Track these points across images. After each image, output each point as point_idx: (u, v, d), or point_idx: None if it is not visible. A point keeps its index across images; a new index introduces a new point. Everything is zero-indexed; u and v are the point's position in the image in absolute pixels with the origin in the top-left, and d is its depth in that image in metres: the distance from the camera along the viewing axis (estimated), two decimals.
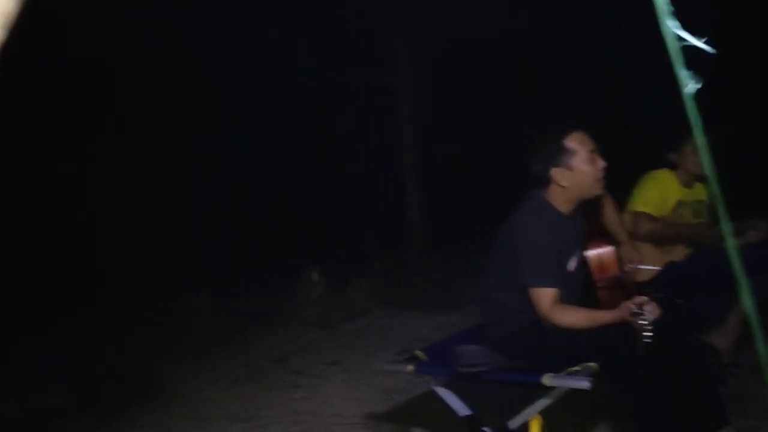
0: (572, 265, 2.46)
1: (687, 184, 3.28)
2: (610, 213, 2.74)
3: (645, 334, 1.99)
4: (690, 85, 0.73)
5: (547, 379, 2.20)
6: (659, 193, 3.22)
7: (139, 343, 4.85)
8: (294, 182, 6.68)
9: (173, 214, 6.22)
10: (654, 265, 3.07)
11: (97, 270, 5.68)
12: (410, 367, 2.52)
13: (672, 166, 3.28)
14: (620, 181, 3.32)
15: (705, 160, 1.05)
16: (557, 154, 2.37)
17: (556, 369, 2.24)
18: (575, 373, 2.20)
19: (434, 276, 5.92)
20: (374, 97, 6.37)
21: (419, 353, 2.65)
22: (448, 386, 2.59)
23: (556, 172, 2.37)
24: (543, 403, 2.32)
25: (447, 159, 6.95)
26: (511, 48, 6.22)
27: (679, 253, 3.22)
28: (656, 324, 2.05)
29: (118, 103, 5.65)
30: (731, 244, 1.03)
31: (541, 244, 2.32)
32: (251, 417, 3.58)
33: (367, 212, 6.77)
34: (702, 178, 3.29)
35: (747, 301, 0.96)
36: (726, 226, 1.05)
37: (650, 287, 2.88)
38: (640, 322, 2.00)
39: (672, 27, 0.69)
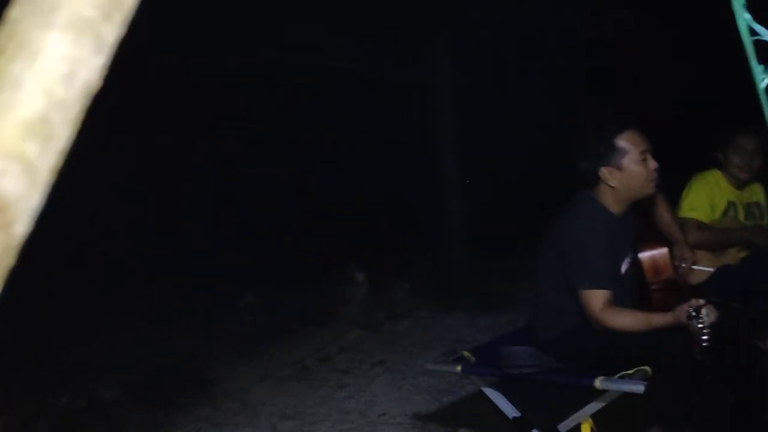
0: (624, 267, 2.42)
1: (738, 185, 3.19)
2: (663, 213, 2.69)
3: (702, 338, 1.94)
4: (765, 80, 0.73)
5: (600, 382, 2.17)
6: (706, 196, 3.14)
7: (187, 341, 4.98)
8: (338, 182, 6.74)
9: (220, 214, 6.36)
10: (708, 266, 2.99)
11: (146, 269, 5.85)
12: (458, 368, 2.53)
13: (722, 167, 3.19)
14: (678, 181, 3.27)
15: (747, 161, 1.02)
16: (607, 153, 2.33)
17: (607, 372, 2.21)
18: (629, 377, 2.18)
19: (477, 277, 5.88)
20: (415, 96, 6.37)
21: (467, 354, 2.66)
22: (496, 387, 2.59)
23: (605, 172, 2.34)
24: (594, 406, 2.30)
25: (489, 159, 6.90)
26: (561, 47, 6.14)
27: (733, 255, 3.13)
28: (713, 328, 2.00)
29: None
30: None
31: (592, 245, 2.29)
32: (299, 414, 3.65)
33: (410, 213, 6.78)
34: (751, 180, 3.19)
35: None
36: None
37: (705, 290, 2.81)
38: (698, 325, 1.95)
39: (745, 19, 0.69)
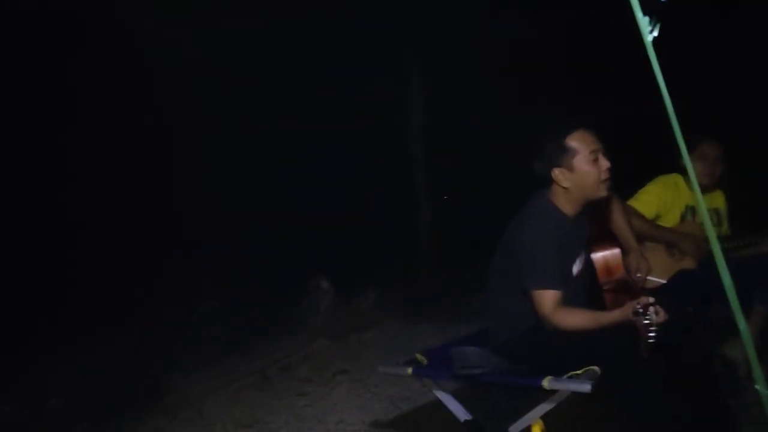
0: (576, 268, 2.40)
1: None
2: (618, 218, 2.67)
3: (648, 334, 1.92)
4: (650, 32, 0.70)
5: (548, 383, 2.14)
6: (658, 194, 3.15)
7: (146, 351, 4.87)
8: (303, 190, 6.69)
9: (181, 222, 6.27)
10: (664, 277, 2.99)
11: (104, 279, 5.72)
12: (409, 370, 2.48)
13: (683, 172, 3.21)
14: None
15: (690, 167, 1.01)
16: (558, 154, 2.31)
17: (558, 372, 2.18)
18: (577, 377, 2.14)
19: (445, 287, 5.85)
20: (384, 106, 6.37)
21: (420, 356, 2.61)
22: (450, 391, 2.54)
23: (557, 173, 2.31)
24: (545, 407, 2.25)
25: (459, 167, 6.91)
26: (527, 53, 6.18)
27: (690, 262, 3.13)
28: (662, 327, 1.98)
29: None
30: (718, 254, 1.00)
31: (544, 246, 2.26)
32: (256, 422, 3.56)
33: (378, 223, 6.75)
34: (713, 186, 3.21)
35: (737, 312, 0.93)
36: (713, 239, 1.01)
37: (660, 294, 2.80)
38: (644, 321, 1.93)
39: None
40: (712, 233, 1.08)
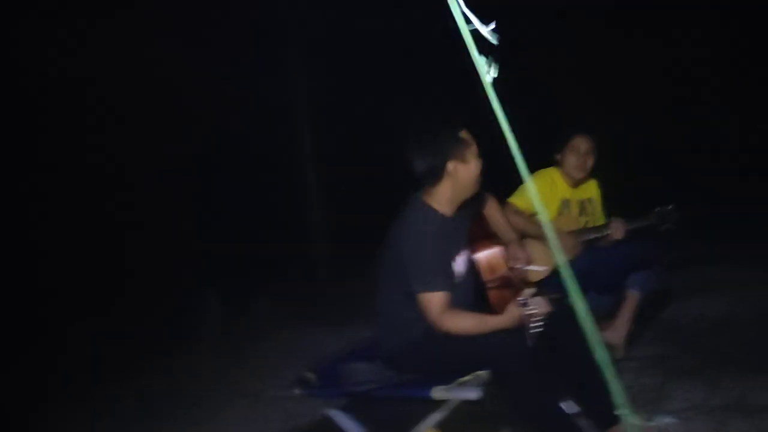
0: (459, 267, 2.39)
1: (573, 184, 3.33)
2: (495, 215, 2.71)
3: (532, 324, 1.96)
4: (489, 72, 0.64)
5: (437, 392, 2.11)
6: (539, 193, 3.24)
7: (18, 376, 4.40)
8: (187, 198, 6.35)
9: (55, 240, 5.74)
10: (543, 266, 3.07)
11: None
12: (297, 391, 2.37)
13: (559, 165, 3.32)
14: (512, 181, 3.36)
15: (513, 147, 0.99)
16: (454, 146, 2.28)
17: (447, 380, 2.16)
18: (466, 383, 2.13)
19: (341, 290, 5.78)
20: (272, 109, 6.19)
21: (310, 375, 2.50)
22: (343, 407, 2.46)
23: (451, 165, 2.28)
24: (437, 416, 2.23)
25: (348, 163, 6.83)
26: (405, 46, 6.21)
27: (568, 255, 3.24)
28: (544, 317, 2.03)
29: None
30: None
31: (426, 249, 2.24)
32: None
33: (267, 226, 6.55)
34: (586, 178, 3.35)
35: (579, 305, 0.90)
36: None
37: (541, 287, 2.87)
38: (527, 312, 1.97)
39: (460, 8, 0.60)
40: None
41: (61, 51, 5.46)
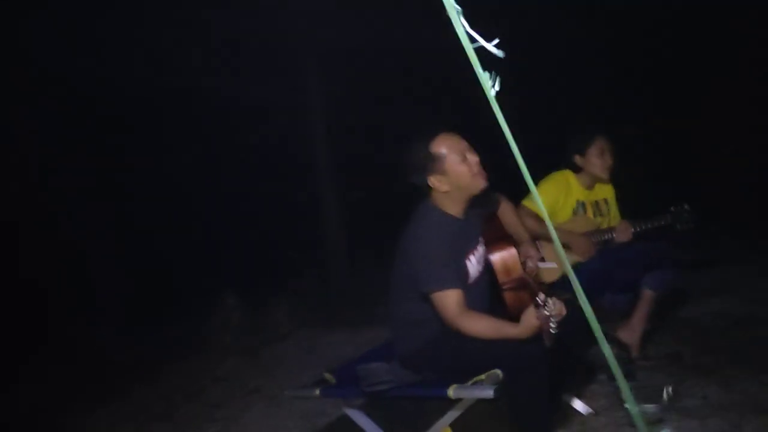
0: (473, 267, 2.43)
1: (589, 186, 3.34)
2: (508, 215, 2.74)
3: (551, 325, 1.98)
4: (493, 87, 0.68)
5: (452, 391, 2.15)
6: (554, 195, 3.26)
7: (40, 384, 4.49)
8: (208, 203, 6.44)
9: (78, 241, 5.85)
10: (554, 263, 3.09)
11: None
12: (316, 392, 2.42)
13: (575, 169, 3.33)
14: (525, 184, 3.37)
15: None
16: (428, 162, 2.33)
17: (463, 378, 2.19)
18: (481, 382, 2.16)
19: (357, 292, 5.83)
20: (288, 114, 6.26)
21: (328, 376, 2.56)
22: (362, 406, 2.51)
23: (433, 180, 2.34)
24: (453, 415, 2.27)
25: (364, 172, 6.89)
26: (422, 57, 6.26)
27: (583, 256, 3.25)
28: (561, 318, 2.05)
29: None
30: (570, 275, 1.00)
31: (437, 249, 2.28)
32: None
33: (285, 232, 6.62)
34: (606, 180, 3.36)
35: (587, 308, 0.94)
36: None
37: (556, 288, 2.90)
38: (545, 313, 1.99)
39: (463, 28, 0.64)
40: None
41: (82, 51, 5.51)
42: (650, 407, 2.48)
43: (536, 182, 3.28)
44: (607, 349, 0.92)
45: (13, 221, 5.51)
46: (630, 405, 0.93)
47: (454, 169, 2.33)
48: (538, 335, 2.10)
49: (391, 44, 5.74)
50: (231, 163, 6.46)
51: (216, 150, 6.63)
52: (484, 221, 2.57)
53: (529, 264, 2.60)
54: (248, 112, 6.44)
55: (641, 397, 2.95)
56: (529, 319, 2.11)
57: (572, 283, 0.96)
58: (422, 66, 6.35)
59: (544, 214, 1.25)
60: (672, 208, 3.29)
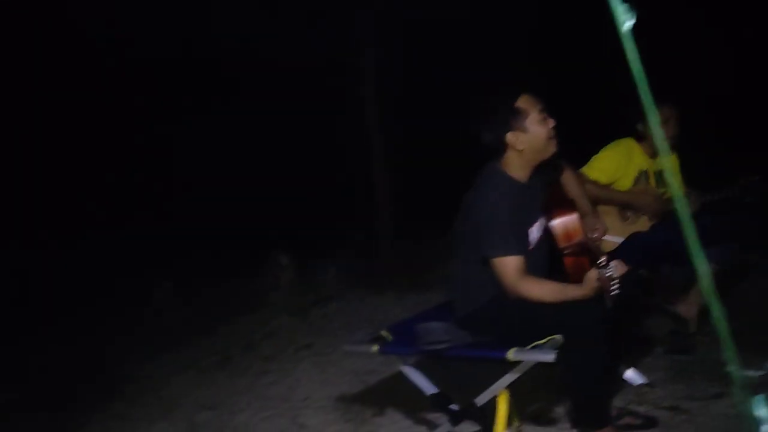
0: (534, 233, 2.42)
1: (653, 155, 3.26)
2: (572, 185, 2.70)
3: (611, 286, 1.99)
4: (627, 20, 0.67)
5: (512, 354, 2.16)
6: (616, 162, 3.19)
7: (104, 336, 4.73)
8: (260, 166, 6.54)
9: (135, 204, 6.06)
10: (618, 236, 3.04)
11: (61, 262, 5.51)
12: (374, 348, 2.47)
13: (638, 137, 3.25)
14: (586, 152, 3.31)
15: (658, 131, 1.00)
16: (510, 118, 2.32)
17: (521, 343, 2.20)
18: (541, 347, 2.17)
19: (405, 257, 5.86)
20: (339, 78, 6.24)
21: (385, 333, 2.60)
22: (416, 365, 2.55)
23: (511, 137, 2.32)
24: (509, 378, 2.28)
25: (416, 139, 6.84)
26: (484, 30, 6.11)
27: (644, 223, 3.20)
28: (622, 279, 2.06)
29: None
30: (683, 212, 0.98)
31: (501, 214, 2.28)
32: (219, 404, 3.52)
33: (336, 194, 6.68)
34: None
35: (702, 268, 0.92)
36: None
37: (616, 253, 2.86)
38: (607, 274, 1.99)
39: None
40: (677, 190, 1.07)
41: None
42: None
43: (598, 151, 3.26)
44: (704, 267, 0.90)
45: None
46: (732, 367, 0.91)
47: (535, 128, 2.32)
48: (599, 298, 2.10)
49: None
50: (282, 127, 6.51)
51: (264, 114, 6.67)
52: (546, 187, 2.54)
53: (594, 236, 2.57)
54: (298, 74, 6.44)
55: (698, 373, 2.91)
56: (592, 280, 2.12)
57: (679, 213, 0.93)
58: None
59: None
60: (741, 180, 3.18)
